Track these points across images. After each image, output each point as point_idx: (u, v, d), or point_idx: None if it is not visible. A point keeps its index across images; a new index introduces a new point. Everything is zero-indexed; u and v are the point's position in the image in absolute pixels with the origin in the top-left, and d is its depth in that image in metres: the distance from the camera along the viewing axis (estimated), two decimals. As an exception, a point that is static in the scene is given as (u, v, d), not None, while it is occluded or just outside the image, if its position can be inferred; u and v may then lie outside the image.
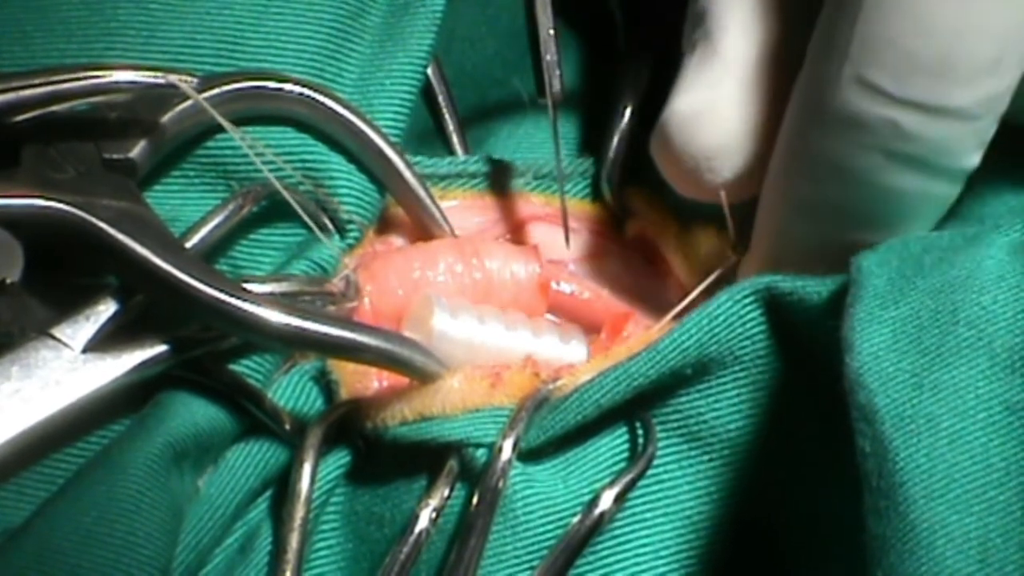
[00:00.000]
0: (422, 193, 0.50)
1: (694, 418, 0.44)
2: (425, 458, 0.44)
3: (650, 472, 0.44)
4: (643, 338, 0.46)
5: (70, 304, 0.43)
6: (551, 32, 0.51)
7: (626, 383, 0.43)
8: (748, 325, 0.44)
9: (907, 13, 0.40)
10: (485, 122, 0.58)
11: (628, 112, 0.54)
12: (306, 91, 0.48)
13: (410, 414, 0.44)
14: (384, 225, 0.52)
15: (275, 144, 0.48)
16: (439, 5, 0.52)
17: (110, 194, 0.43)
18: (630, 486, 0.43)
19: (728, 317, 0.43)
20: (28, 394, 0.41)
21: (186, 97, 0.46)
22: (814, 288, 0.43)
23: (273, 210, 0.48)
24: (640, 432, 0.45)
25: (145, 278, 0.42)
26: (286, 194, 0.46)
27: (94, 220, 0.42)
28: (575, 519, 0.43)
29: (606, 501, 0.43)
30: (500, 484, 0.42)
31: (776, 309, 0.44)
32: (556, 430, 0.44)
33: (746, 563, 0.44)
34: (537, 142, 0.57)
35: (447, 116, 0.57)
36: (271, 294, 0.44)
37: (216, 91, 0.46)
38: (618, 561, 0.44)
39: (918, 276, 0.40)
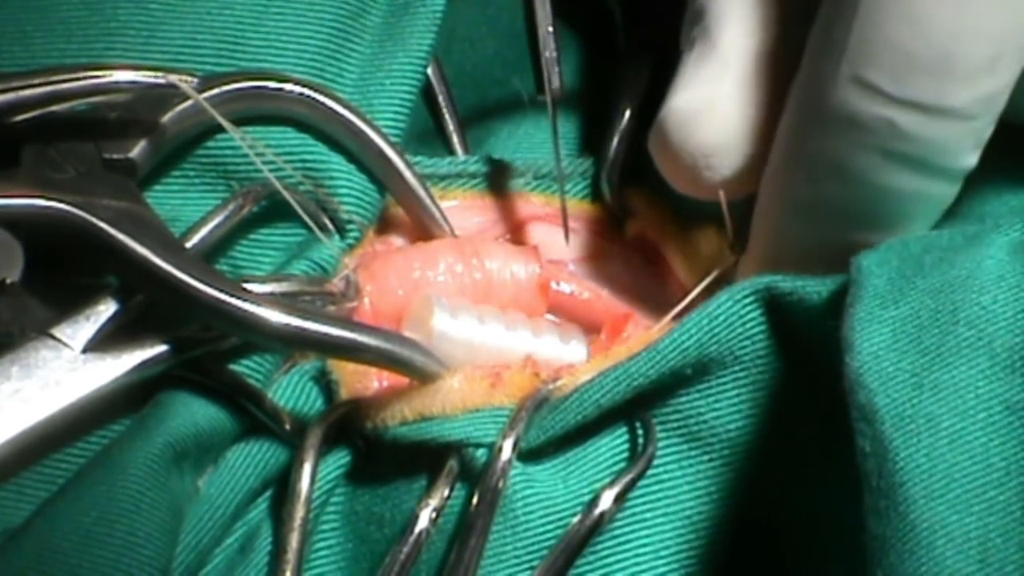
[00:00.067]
0: (422, 193, 0.50)
1: (694, 418, 0.44)
2: (425, 458, 0.44)
3: (650, 472, 0.44)
4: (643, 338, 0.46)
5: (70, 304, 0.43)
6: (550, 29, 0.51)
7: (626, 383, 0.43)
8: (748, 325, 0.44)
9: (905, 13, 0.40)
10: (485, 122, 0.58)
11: (628, 112, 0.54)
12: (306, 91, 0.48)
13: (410, 414, 0.44)
14: (384, 225, 0.52)
15: (275, 144, 0.48)
16: (439, 5, 0.52)
17: (110, 194, 0.43)
18: (630, 486, 0.43)
19: (728, 317, 0.43)
20: (28, 394, 0.41)
21: (186, 97, 0.46)
22: (814, 288, 0.43)
23: (273, 210, 0.48)
24: (640, 432, 0.45)
25: (145, 278, 0.42)
26: (286, 194, 0.46)
27: (94, 220, 0.42)
28: (575, 519, 0.43)
29: (606, 501, 0.43)
30: (500, 484, 0.42)
31: (776, 309, 0.44)
32: (556, 430, 0.44)
33: (746, 563, 0.44)
34: (537, 142, 0.57)
35: (447, 116, 0.57)
36: (271, 294, 0.44)
37: (216, 91, 0.46)
38: (618, 561, 0.44)
39: (918, 276, 0.40)
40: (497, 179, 0.54)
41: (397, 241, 0.52)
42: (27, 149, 0.44)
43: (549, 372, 0.45)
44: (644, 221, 0.54)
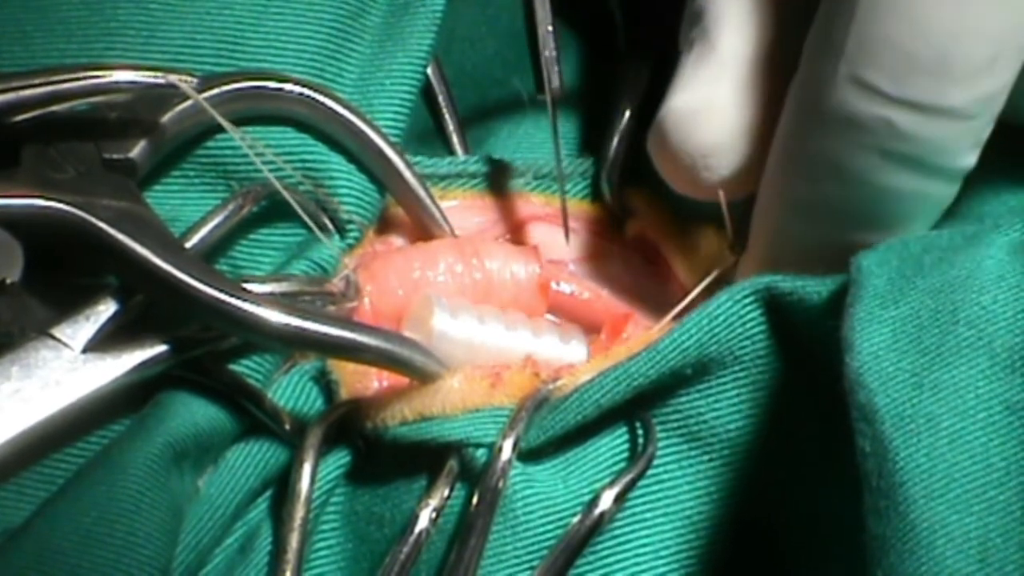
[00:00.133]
0: (422, 193, 0.50)
1: (694, 418, 0.44)
2: (425, 458, 0.44)
3: (650, 472, 0.44)
4: (643, 338, 0.46)
5: (70, 304, 0.43)
6: (550, 28, 0.51)
7: (626, 383, 0.43)
8: (748, 325, 0.44)
9: (903, 13, 0.40)
10: (485, 122, 0.58)
11: (628, 112, 0.54)
12: (306, 91, 0.48)
13: (410, 414, 0.44)
14: (384, 225, 0.52)
15: (275, 144, 0.48)
16: (439, 5, 0.52)
17: (110, 194, 0.43)
18: (630, 486, 0.43)
19: (728, 317, 0.43)
20: (28, 394, 0.41)
21: (186, 97, 0.46)
22: (814, 288, 0.43)
23: (273, 210, 0.48)
24: (640, 432, 0.45)
25: (145, 278, 0.42)
26: (286, 194, 0.46)
27: (94, 220, 0.42)
28: (575, 519, 0.43)
29: (606, 501, 0.43)
30: (500, 484, 0.42)
31: (776, 309, 0.44)
32: (556, 430, 0.44)
33: (746, 563, 0.44)
34: (537, 142, 0.57)
35: (447, 116, 0.57)
36: (271, 294, 0.44)
37: (216, 91, 0.46)
38: (618, 561, 0.44)
39: (918, 276, 0.40)
40: (497, 179, 0.54)
41: (397, 241, 0.52)
42: (27, 149, 0.44)
43: (549, 372, 0.45)
44: (644, 221, 0.54)
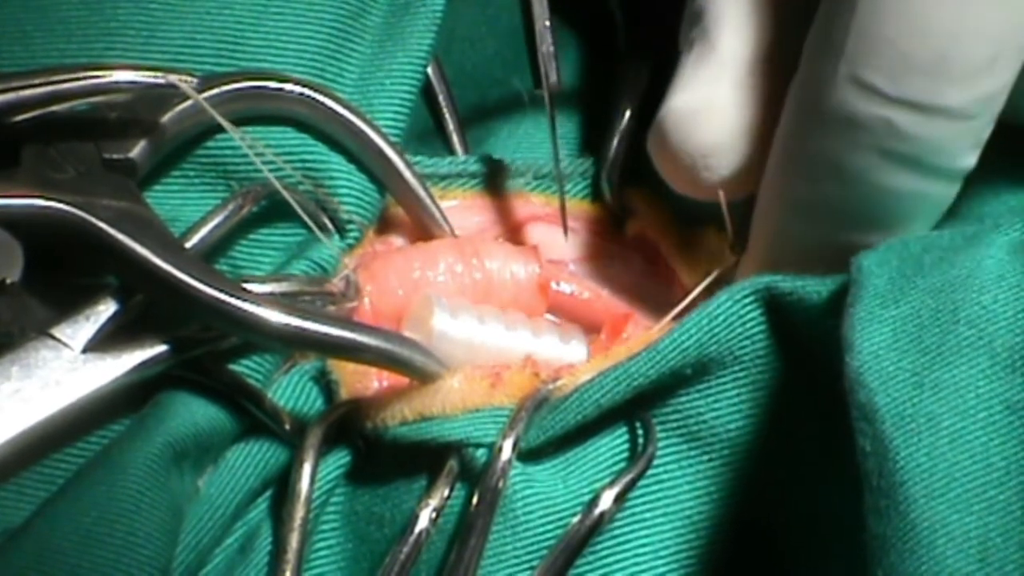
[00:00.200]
0: (422, 193, 0.50)
1: (694, 418, 0.44)
2: (425, 458, 0.44)
3: (650, 472, 0.44)
4: (643, 338, 0.46)
5: (70, 304, 0.43)
6: (547, 24, 0.51)
7: (626, 383, 0.43)
8: (748, 325, 0.44)
9: (903, 13, 0.40)
10: (485, 122, 0.58)
11: (628, 112, 0.54)
12: (306, 91, 0.48)
13: (410, 414, 0.44)
14: (384, 225, 0.52)
15: (275, 144, 0.48)
16: (439, 5, 0.52)
17: (110, 194, 0.43)
18: (630, 486, 0.43)
19: (728, 317, 0.43)
20: (28, 394, 0.41)
21: (186, 97, 0.46)
22: (814, 288, 0.43)
23: (273, 210, 0.48)
24: (640, 432, 0.45)
25: (145, 278, 0.42)
26: (286, 194, 0.46)
27: (94, 220, 0.42)
28: (575, 519, 0.43)
29: (606, 501, 0.43)
30: (500, 484, 0.42)
31: (776, 309, 0.44)
32: (556, 430, 0.44)
33: (746, 563, 0.44)
34: (537, 142, 0.57)
35: (447, 116, 0.57)
36: (271, 294, 0.44)
37: (216, 91, 0.46)
38: (618, 561, 0.44)
39: (918, 275, 0.40)
40: (497, 179, 0.54)
41: (397, 241, 0.52)
42: (27, 149, 0.44)
43: (549, 372, 0.45)
44: (644, 221, 0.54)
